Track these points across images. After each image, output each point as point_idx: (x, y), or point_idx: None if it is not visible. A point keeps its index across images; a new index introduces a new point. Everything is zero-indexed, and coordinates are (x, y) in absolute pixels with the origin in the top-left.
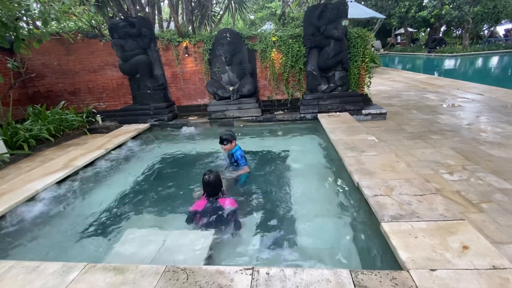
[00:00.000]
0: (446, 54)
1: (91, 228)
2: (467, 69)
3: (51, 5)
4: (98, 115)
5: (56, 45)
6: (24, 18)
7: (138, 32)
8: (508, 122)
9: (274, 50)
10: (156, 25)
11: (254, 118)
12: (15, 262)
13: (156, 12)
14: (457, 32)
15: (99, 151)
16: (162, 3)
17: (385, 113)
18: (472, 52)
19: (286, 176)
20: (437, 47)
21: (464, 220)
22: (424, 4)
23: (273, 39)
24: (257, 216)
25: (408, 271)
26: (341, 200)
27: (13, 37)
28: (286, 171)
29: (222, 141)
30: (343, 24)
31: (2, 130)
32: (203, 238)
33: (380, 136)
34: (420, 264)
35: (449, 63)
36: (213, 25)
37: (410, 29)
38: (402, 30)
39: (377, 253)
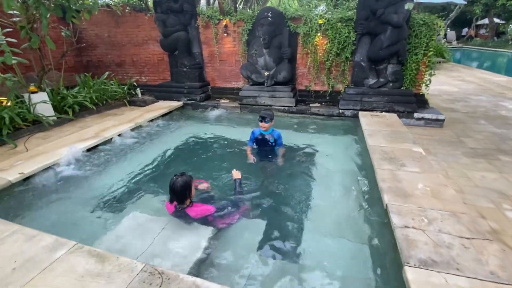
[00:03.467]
0: None
1: (101, 202)
2: None
3: None
4: (138, 89)
5: (107, 17)
6: None
7: (180, 8)
8: None
9: (319, 34)
10: (203, 1)
11: (286, 108)
12: (18, 227)
13: None
14: None
15: (129, 124)
16: None
17: (443, 120)
18: None
19: (306, 180)
20: None
21: None
22: None
23: (320, 21)
24: (262, 222)
25: None
26: (364, 222)
27: (65, 7)
28: (308, 174)
29: (264, 118)
30: (406, 7)
31: (52, 95)
32: (199, 237)
33: (430, 148)
34: None
35: None
36: (260, 4)
37: (496, 20)
38: (485, 21)
39: None
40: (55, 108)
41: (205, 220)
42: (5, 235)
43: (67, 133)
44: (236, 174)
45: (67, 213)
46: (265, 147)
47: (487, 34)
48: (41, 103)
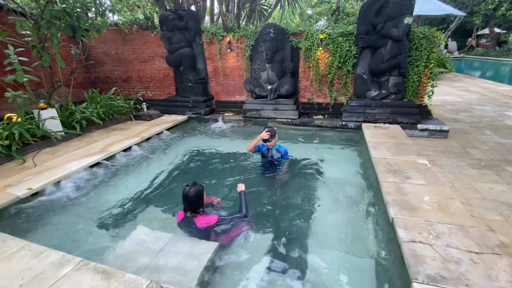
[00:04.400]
0: None
1: (107, 216)
2: None
3: None
4: (144, 103)
5: (115, 36)
6: (93, 9)
7: (185, 25)
8: None
9: (320, 48)
10: (207, 18)
11: (289, 120)
12: (26, 243)
13: (207, 5)
14: None
15: (135, 138)
16: None
17: (447, 131)
18: None
19: (311, 193)
20: None
21: None
22: None
23: (321, 36)
24: (266, 236)
25: None
26: (370, 236)
27: (76, 27)
28: (312, 187)
29: (265, 140)
30: (405, 22)
31: (61, 110)
32: (204, 251)
33: (435, 159)
34: None
35: None
36: (262, 20)
37: (497, 30)
38: (486, 31)
39: None
40: (63, 124)
41: (207, 235)
42: (13, 251)
43: (74, 148)
44: (241, 187)
45: (74, 228)
46: (271, 160)
47: (488, 43)
48: (50, 119)
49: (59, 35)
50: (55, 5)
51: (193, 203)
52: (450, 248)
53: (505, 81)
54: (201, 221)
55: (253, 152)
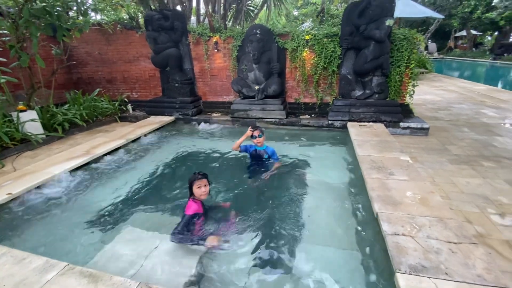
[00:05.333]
0: None
1: (93, 219)
2: None
3: None
4: (129, 105)
5: (98, 35)
6: (74, 8)
7: (171, 25)
8: None
9: (306, 49)
10: (194, 18)
11: (277, 120)
12: (7, 249)
13: (193, 5)
14: None
15: (120, 140)
16: None
17: (428, 129)
18: None
19: (298, 191)
20: (505, 54)
21: None
22: (493, 4)
23: (306, 37)
24: (255, 235)
25: None
26: (356, 231)
27: (56, 26)
28: (299, 184)
29: (259, 134)
30: (386, 24)
31: (41, 112)
32: (194, 253)
33: (417, 156)
34: None
35: None
36: (249, 20)
37: (473, 32)
38: (463, 33)
39: None
40: (44, 126)
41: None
42: None
43: (56, 151)
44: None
45: (58, 233)
46: (259, 161)
47: (465, 45)
48: (30, 121)
49: (38, 34)
50: (34, 3)
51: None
52: (430, 239)
53: (481, 80)
54: (188, 204)
55: (240, 152)
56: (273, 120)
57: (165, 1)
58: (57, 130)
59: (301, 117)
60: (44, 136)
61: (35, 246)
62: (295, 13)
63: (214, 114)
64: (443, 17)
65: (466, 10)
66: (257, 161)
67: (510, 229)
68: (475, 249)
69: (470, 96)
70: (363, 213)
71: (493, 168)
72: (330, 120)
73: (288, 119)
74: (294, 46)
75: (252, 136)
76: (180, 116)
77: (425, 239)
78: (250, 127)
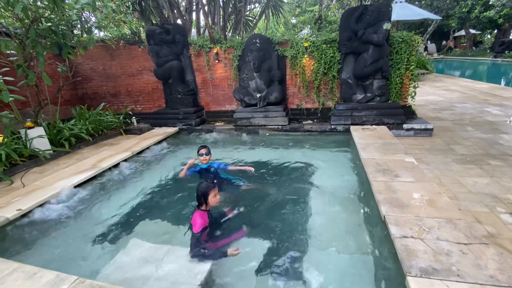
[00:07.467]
0: None
1: (101, 232)
2: None
3: (96, 14)
4: (133, 117)
5: (102, 51)
6: (78, 26)
7: (172, 39)
8: None
9: (305, 56)
10: (194, 31)
11: (280, 127)
12: (18, 265)
13: (193, 18)
14: None
15: (126, 153)
16: (200, 10)
17: (432, 129)
18: None
19: (304, 194)
20: (506, 52)
21: None
22: (490, 2)
23: (305, 44)
24: (261, 242)
25: None
26: (364, 234)
27: (62, 44)
28: (305, 189)
29: (206, 152)
30: (384, 27)
31: (48, 129)
32: (200, 263)
33: (422, 157)
34: None
35: None
36: (248, 30)
37: (472, 31)
38: (462, 32)
39: None
40: (51, 142)
41: (197, 243)
42: (5, 274)
43: (63, 166)
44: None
45: (68, 247)
46: (209, 174)
47: (465, 44)
48: (38, 138)
49: (45, 53)
50: (40, 24)
51: (197, 198)
52: (440, 241)
53: (483, 79)
54: (194, 216)
55: (188, 177)
56: (276, 126)
57: (166, 16)
58: (64, 145)
59: (303, 122)
60: (51, 151)
61: (46, 260)
62: (293, 21)
63: (218, 123)
64: (440, 18)
65: (464, 10)
66: (207, 174)
67: None
68: (486, 250)
69: (473, 95)
70: (370, 216)
71: (500, 166)
72: (333, 125)
73: (290, 125)
74: (294, 53)
75: (198, 154)
76: (184, 127)
77: (434, 241)
78: (199, 149)
